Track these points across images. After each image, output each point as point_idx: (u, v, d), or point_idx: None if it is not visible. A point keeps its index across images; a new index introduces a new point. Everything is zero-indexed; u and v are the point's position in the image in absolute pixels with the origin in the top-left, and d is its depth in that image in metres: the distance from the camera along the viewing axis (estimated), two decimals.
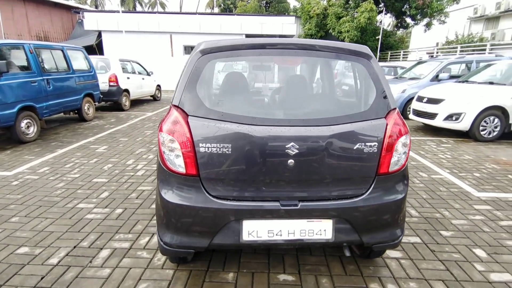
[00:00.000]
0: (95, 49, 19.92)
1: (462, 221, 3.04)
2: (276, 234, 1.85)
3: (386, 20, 23.63)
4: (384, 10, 21.22)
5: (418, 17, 21.29)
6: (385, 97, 1.90)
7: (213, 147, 1.73)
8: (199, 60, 1.84)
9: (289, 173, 1.78)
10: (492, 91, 6.13)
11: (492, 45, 16.95)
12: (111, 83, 9.43)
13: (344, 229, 1.89)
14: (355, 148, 1.80)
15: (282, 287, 2.11)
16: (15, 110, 5.27)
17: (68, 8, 21.77)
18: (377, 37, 21.38)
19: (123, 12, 20.88)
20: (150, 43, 20.78)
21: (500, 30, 21.90)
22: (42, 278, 2.14)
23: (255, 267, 2.31)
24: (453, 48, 19.44)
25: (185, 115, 1.78)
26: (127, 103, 10.17)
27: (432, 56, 19.65)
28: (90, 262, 2.35)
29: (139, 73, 11.26)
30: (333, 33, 21.95)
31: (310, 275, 2.23)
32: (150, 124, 7.82)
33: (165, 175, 1.85)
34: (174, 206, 1.81)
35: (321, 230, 1.87)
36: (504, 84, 6.22)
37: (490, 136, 6.16)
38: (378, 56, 21.32)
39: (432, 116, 6.60)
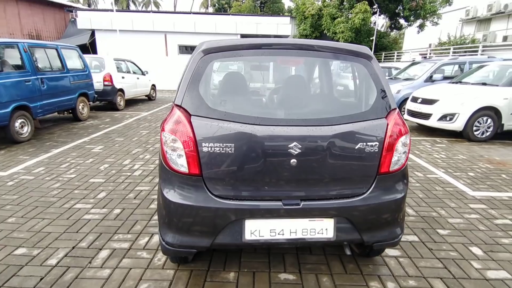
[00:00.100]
0: (89, 48, 19.72)
1: (458, 219, 3.09)
2: (278, 234, 1.86)
3: (380, 21, 23.83)
4: (378, 11, 21.38)
5: (412, 18, 21.49)
6: (385, 97, 1.93)
7: (216, 146, 1.74)
8: (201, 59, 1.84)
9: (291, 172, 1.79)
10: (485, 92, 6.22)
11: (484, 46, 17.21)
12: (106, 83, 9.35)
13: (345, 228, 1.90)
14: (356, 147, 1.82)
15: (283, 286, 2.12)
16: (9, 109, 5.20)
17: (61, 6, 21.50)
18: (371, 38, 21.53)
19: (117, 11, 20.71)
20: (144, 43, 20.63)
21: (492, 32, 22.22)
22: (41, 279, 2.12)
23: (256, 267, 2.31)
24: (446, 49, 19.68)
25: (188, 114, 1.78)
26: (122, 103, 10.10)
27: (425, 57, 19.87)
28: (90, 262, 2.33)
29: (134, 72, 11.18)
30: (327, 34, 22.06)
31: (311, 274, 2.24)
32: (145, 124, 7.77)
33: (168, 174, 1.85)
34: (176, 205, 1.81)
35: (322, 229, 1.88)
36: (497, 85, 6.33)
37: (483, 136, 6.26)
38: None
39: (426, 116, 6.68)
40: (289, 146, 1.74)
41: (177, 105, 1.82)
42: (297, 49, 1.90)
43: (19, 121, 5.49)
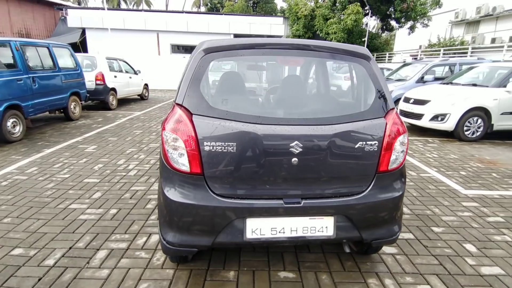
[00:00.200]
0: (79, 46, 19.44)
1: (452, 217, 3.16)
2: (279, 232, 1.88)
3: (371, 23, 24.09)
4: (369, 13, 21.63)
5: (403, 20, 21.80)
6: (384, 97, 1.96)
7: (218, 145, 1.74)
8: (202, 59, 1.84)
9: (292, 171, 1.81)
10: (475, 93, 6.36)
11: (473, 48, 17.56)
12: (98, 82, 9.23)
13: (345, 226, 1.93)
14: (356, 146, 1.85)
15: (283, 284, 2.14)
16: (1, 109, 5.10)
17: (50, 4, 21.16)
18: (363, 39, 21.77)
19: (108, 9, 20.47)
20: (136, 42, 20.43)
21: (480, 34, 22.71)
22: (39, 280, 2.10)
23: (256, 265, 2.33)
24: (436, 51, 20.02)
25: (189, 113, 1.78)
26: (114, 102, 9.99)
27: (415, 58, 20.17)
28: (88, 263, 2.31)
29: (126, 71, 11.08)
30: (320, 35, 22.22)
31: (310, 272, 2.27)
32: (139, 123, 7.71)
33: (169, 173, 1.85)
34: (177, 204, 1.81)
35: (322, 227, 1.91)
36: (487, 86, 6.47)
37: (474, 136, 6.39)
38: None
39: (418, 116, 6.78)
40: (290, 145, 1.76)
41: (178, 104, 1.82)
42: (297, 49, 1.92)
43: (11, 120, 5.39)
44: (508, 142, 6.47)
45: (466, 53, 17.16)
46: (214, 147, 1.74)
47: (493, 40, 20.95)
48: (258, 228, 1.86)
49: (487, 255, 2.52)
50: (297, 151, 1.77)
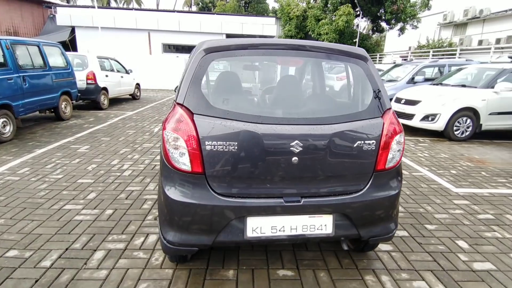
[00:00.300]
0: (68, 45, 19.14)
1: (444, 215, 3.23)
2: (279, 230, 1.90)
3: (362, 24, 24.38)
4: (360, 14, 21.87)
5: (393, 21, 22.13)
6: (381, 97, 2.00)
7: (219, 145, 1.75)
8: (203, 59, 1.85)
9: (292, 170, 1.84)
10: (464, 94, 6.50)
11: (461, 50, 17.93)
12: (89, 81, 9.10)
13: (343, 224, 1.97)
14: (355, 146, 1.88)
15: (282, 282, 2.16)
16: None
17: (39, 2, 20.77)
18: (354, 40, 22.00)
19: (98, 7, 20.20)
20: (127, 41, 20.24)
21: (468, 36, 23.16)
22: (36, 281, 2.07)
23: (255, 264, 2.34)
24: (425, 52, 20.38)
25: (190, 113, 1.79)
26: (106, 102, 9.87)
27: (405, 60, 20.48)
28: (85, 264, 2.29)
29: (118, 71, 10.95)
30: (312, 35, 22.37)
31: (308, 270, 2.30)
32: (131, 123, 7.64)
33: (169, 173, 1.85)
34: (178, 204, 1.81)
35: (322, 225, 1.94)
36: (475, 87, 6.63)
37: (463, 135, 6.54)
38: None
39: (409, 116, 6.91)
40: (291, 144, 1.79)
41: (179, 104, 1.83)
42: (297, 49, 1.95)
43: (1, 120, 5.28)
44: (496, 142, 6.64)
45: (454, 54, 17.52)
46: (216, 146, 1.75)
47: (480, 42, 21.41)
48: (258, 227, 1.87)
49: (479, 251, 2.59)
50: (297, 150, 1.80)
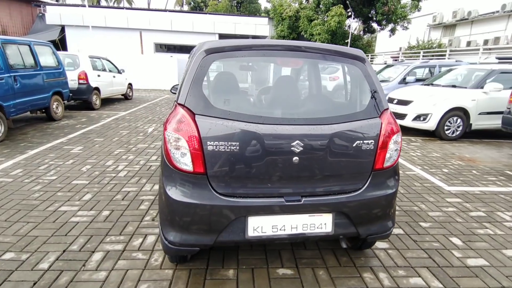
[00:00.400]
0: (58, 44, 18.86)
1: (438, 213, 3.30)
2: (280, 229, 1.92)
3: (353, 25, 24.61)
4: (352, 15, 22.08)
5: (384, 22, 22.39)
6: (378, 97, 2.04)
7: (221, 145, 1.77)
8: (204, 59, 1.86)
9: (293, 169, 1.86)
10: (454, 94, 6.64)
11: (451, 51, 18.26)
12: (81, 81, 8.99)
13: (343, 222, 2.00)
14: (354, 145, 1.92)
15: (282, 281, 2.18)
16: None
17: (28, 1, 20.40)
18: (346, 41, 22.20)
19: (89, 6, 19.94)
20: (118, 40, 20.05)
21: (456, 37, 23.62)
22: (34, 284, 2.05)
23: (254, 263, 2.36)
24: (416, 53, 20.68)
25: (192, 113, 1.79)
26: (98, 102, 9.76)
27: (396, 60, 20.76)
28: (84, 265, 2.27)
29: (110, 70, 10.84)
30: (305, 35, 22.49)
31: (307, 268, 2.32)
32: (124, 124, 7.57)
33: (171, 173, 1.85)
34: (180, 204, 1.82)
35: (322, 223, 1.97)
36: (465, 87, 6.77)
37: (454, 135, 6.67)
38: None
39: (402, 116, 7.01)
40: (291, 144, 1.81)
41: (180, 104, 1.83)
42: (297, 50, 1.97)
43: None
44: (485, 141, 6.79)
45: (444, 55, 17.82)
46: (217, 146, 1.76)
47: (468, 43, 21.86)
48: (259, 226, 1.89)
49: (472, 248, 2.66)
50: (298, 150, 1.82)
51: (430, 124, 6.61)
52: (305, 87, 2.83)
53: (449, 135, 6.66)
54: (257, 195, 1.88)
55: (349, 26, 23.10)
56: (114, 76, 10.98)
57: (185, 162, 1.79)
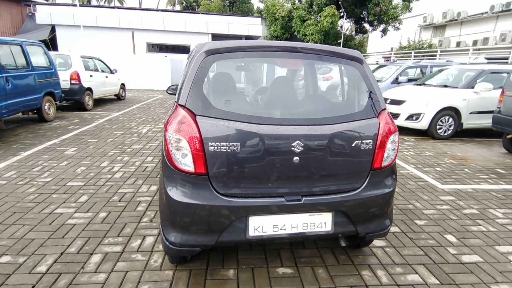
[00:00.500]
0: (49, 44, 18.57)
1: (432, 210, 3.36)
2: (281, 229, 1.94)
3: (345, 25, 24.78)
4: (344, 15, 22.24)
5: (375, 23, 22.59)
6: (376, 98, 2.08)
7: (222, 146, 1.78)
8: (204, 60, 1.87)
9: (293, 169, 1.88)
10: (446, 93, 6.75)
11: (441, 51, 18.54)
12: (73, 81, 8.87)
13: (342, 221, 2.03)
14: (353, 145, 1.95)
15: (282, 280, 2.20)
16: None
17: (18, 0, 20.04)
18: (338, 41, 22.35)
19: (80, 5, 19.69)
20: (110, 40, 19.82)
21: (446, 37, 24.00)
22: (33, 287, 2.03)
23: (254, 263, 2.37)
24: (407, 53, 20.94)
25: (193, 114, 1.80)
26: (90, 103, 9.64)
27: (388, 60, 21.00)
28: (82, 268, 2.26)
29: (102, 71, 10.73)
30: (298, 36, 22.56)
31: (307, 267, 2.35)
32: (118, 124, 7.50)
33: (172, 174, 1.86)
34: (181, 205, 1.82)
35: (321, 222, 1.99)
36: (457, 87, 6.89)
37: (445, 134, 6.79)
38: None
39: (395, 116, 7.09)
40: (292, 144, 1.83)
41: (181, 105, 1.83)
42: (296, 51, 1.99)
43: None
44: (476, 140, 6.92)
45: (435, 55, 18.08)
46: (219, 147, 1.77)
47: (458, 44, 22.23)
48: (260, 226, 1.91)
49: (466, 245, 2.71)
50: (298, 150, 1.84)
51: (423, 124, 6.71)
52: (306, 88, 2.86)
53: (441, 134, 6.77)
54: (258, 195, 1.89)
55: (341, 27, 23.26)
56: (106, 76, 10.87)
57: (186, 163, 1.79)
